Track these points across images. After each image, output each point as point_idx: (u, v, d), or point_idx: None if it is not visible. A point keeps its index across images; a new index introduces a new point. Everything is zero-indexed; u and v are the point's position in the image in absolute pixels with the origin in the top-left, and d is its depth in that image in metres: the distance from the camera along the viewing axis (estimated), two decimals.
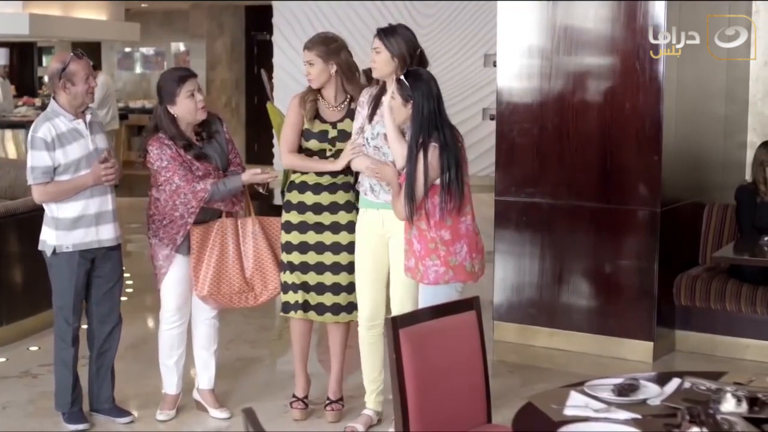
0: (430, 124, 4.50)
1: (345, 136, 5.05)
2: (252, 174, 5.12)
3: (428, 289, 4.59)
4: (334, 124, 5.08)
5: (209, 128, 5.19)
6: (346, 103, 5.11)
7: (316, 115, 5.08)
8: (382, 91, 4.88)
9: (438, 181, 4.51)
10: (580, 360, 6.38)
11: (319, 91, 5.10)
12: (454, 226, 4.55)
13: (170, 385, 5.34)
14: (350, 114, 5.07)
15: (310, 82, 5.06)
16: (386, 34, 4.83)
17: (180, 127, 5.07)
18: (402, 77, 4.56)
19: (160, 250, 5.14)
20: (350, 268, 5.12)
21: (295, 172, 5.15)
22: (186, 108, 5.05)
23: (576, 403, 3.24)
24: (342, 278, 5.13)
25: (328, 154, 5.07)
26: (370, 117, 4.90)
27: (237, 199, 5.17)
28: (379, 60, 4.82)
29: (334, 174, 5.08)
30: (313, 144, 5.07)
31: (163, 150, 5.03)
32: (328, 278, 5.12)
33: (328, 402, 5.31)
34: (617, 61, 6.27)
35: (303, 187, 5.12)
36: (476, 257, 4.65)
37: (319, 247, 5.11)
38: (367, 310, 5.04)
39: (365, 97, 4.98)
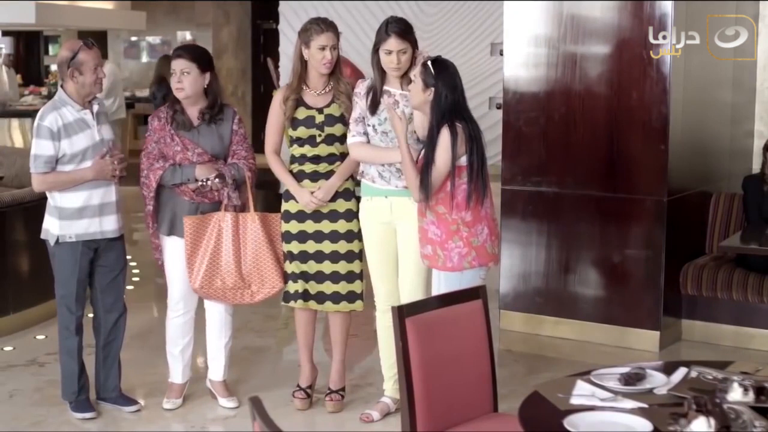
0: (452, 114, 4.45)
1: (333, 120, 5.05)
2: (203, 171, 5.06)
3: (452, 276, 4.52)
4: (320, 110, 5.07)
5: (214, 113, 5.17)
6: (330, 87, 5.10)
7: (301, 103, 5.07)
8: (381, 82, 4.90)
9: (465, 161, 4.46)
10: (587, 349, 6.38)
11: (299, 85, 5.08)
12: (474, 209, 4.51)
13: (176, 374, 5.35)
14: (335, 99, 5.07)
15: (327, 67, 5.02)
16: (405, 32, 4.84)
17: (179, 100, 5.13)
18: (429, 62, 4.52)
19: (153, 239, 5.20)
20: (348, 256, 5.12)
21: (293, 162, 5.14)
22: (171, 85, 5.11)
23: (582, 392, 3.24)
24: (341, 267, 5.12)
25: (318, 139, 5.06)
26: (372, 107, 4.90)
27: (211, 194, 5.13)
28: (405, 59, 4.83)
29: (331, 161, 5.08)
30: (301, 131, 5.06)
31: (153, 120, 5.14)
32: (327, 267, 5.11)
33: (328, 392, 5.31)
34: (624, 50, 6.25)
35: (300, 176, 5.10)
36: (495, 241, 4.63)
37: (318, 236, 5.11)
38: (382, 294, 5.06)
39: (361, 88, 4.98)
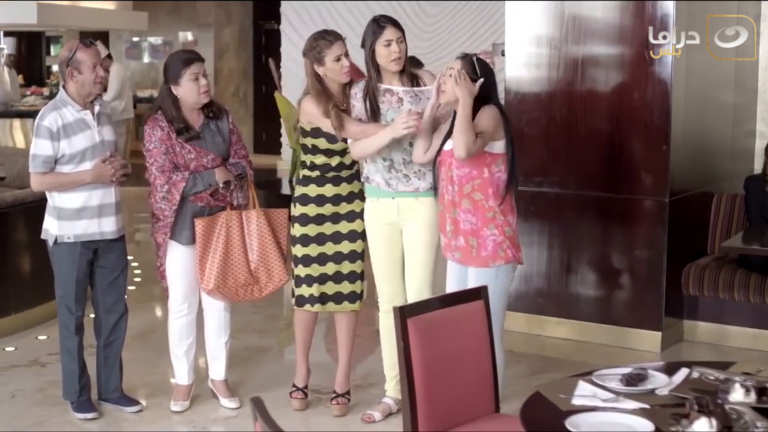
0: (488, 100, 4.57)
1: None
2: (223, 174, 5.05)
3: (487, 272, 4.54)
4: None
5: (215, 109, 5.15)
6: (345, 96, 5.06)
7: None
8: (375, 82, 4.89)
9: (502, 149, 4.55)
10: (588, 349, 6.38)
11: (329, 94, 4.99)
12: (507, 197, 4.61)
13: (181, 375, 5.34)
14: (348, 105, 5.04)
15: (348, 75, 4.97)
16: (396, 23, 4.90)
17: (181, 109, 5.05)
18: (474, 59, 4.57)
19: (159, 244, 5.17)
20: (363, 255, 5.16)
21: (313, 169, 5.06)
22: (189, 90, 5.02)
23: (584, 393, 3.24)
24: (357, 266, 5.14)
25: (341, 147, 5.05)
26: (372, 111, 4.89)
27: (223, 196, 5.11)
28: (403, 48, 4.87)
29: (350, 166, 5.09)
30: (338, 145, 5.01)
31: (155, 130, 5.02)
32: (345, 267, 5.11)
33: (334, 395, 5.31)
34: (626, 51, 6.26)
35: (321, 180, 5.07)
36: (517, 233, 4.71)
37: (337, 237, 5.10)
38: (386, 295, 5.07)
39: (356, 89, 4.97)
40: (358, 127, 4.90)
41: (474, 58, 4.58)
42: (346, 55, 4.97)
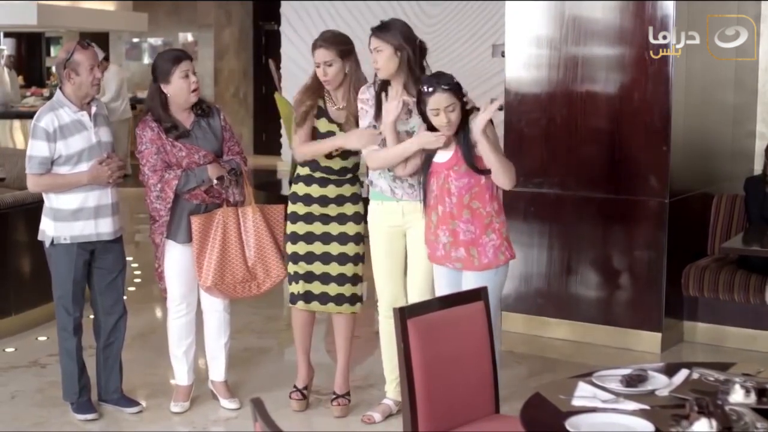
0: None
1: None
2: (216, 170, 5.05)
3: (486, 275, 4.52)
4: (341, 126, 5.03)
5: (204, 108, 5.15)
6: (346, 103, 5.04)
7: (324, 114, 5.03)
8: (383, 88, 4.86)
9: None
10: (588, 350, 6.38)
11: (320, 93, 5.02)
12: (498, 197, 4.62)
13: (181, 376, 5.34)
14: (347, 119, 5.02)
15: (327, 83, 4.96)
16: (381, 30, 4.80)
17: (169, 108, 5.05)
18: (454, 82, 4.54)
19: (157, 244, 5.16)
20: (356, 259, 5.13)
21: (303, 166, 5.10)
22: (179, 88, 5.01)
23: (584, 394, 3.24)
24: (348, 269, 5.12)
25: (335, 153, 5.04)
26: (377, 116, 4.87)
27: (218, 192, 5.10)
28: (381, 58, 4.77)
29: (342, 174, 5.08)
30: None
31: (145, 132, 5.03)
32: (334, 269, 5.10)
33: (334, 397, 5.31)
34: (626, 51, 6.26)
35: (309, 180, 5.09)
36: (508, 228, 4.74)
37: (326, 238, 5.10)
38: (386, 299, 5.04)
39: (366, 95, 4.93)
40: (310, 146, 4.98)
41: (454, 82, 4.49)
42: (328, 65, 4.90)
